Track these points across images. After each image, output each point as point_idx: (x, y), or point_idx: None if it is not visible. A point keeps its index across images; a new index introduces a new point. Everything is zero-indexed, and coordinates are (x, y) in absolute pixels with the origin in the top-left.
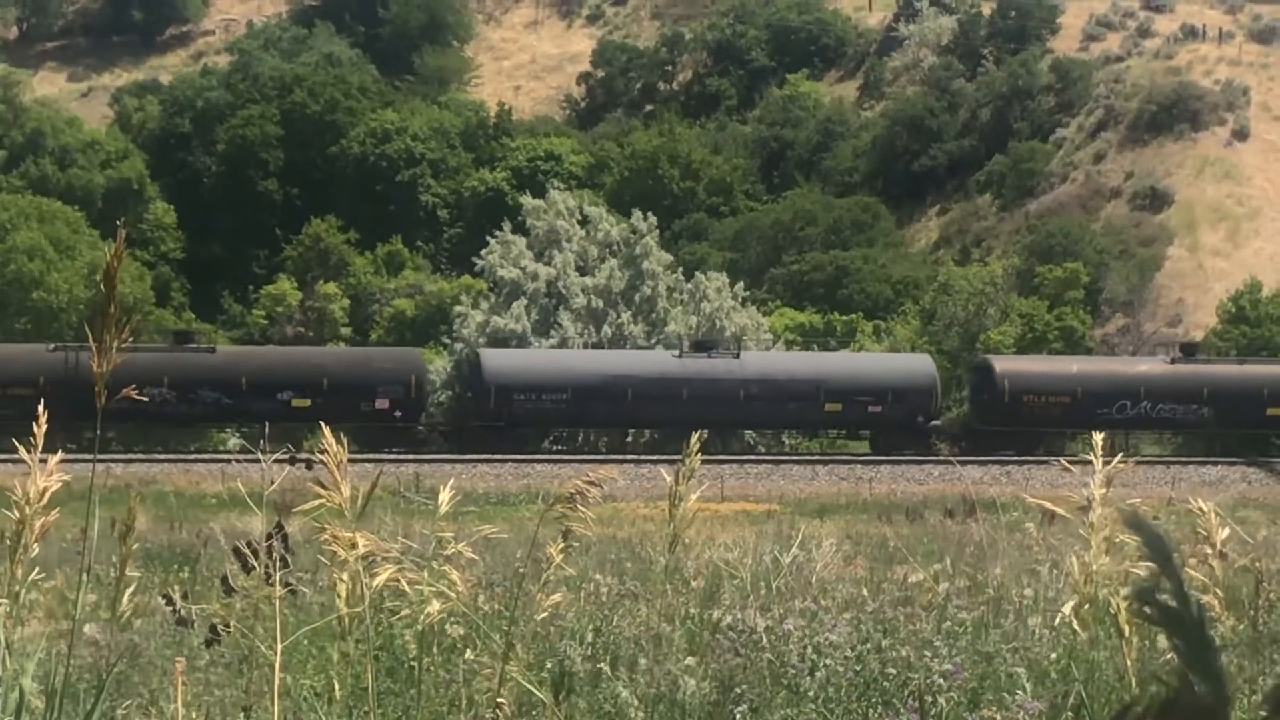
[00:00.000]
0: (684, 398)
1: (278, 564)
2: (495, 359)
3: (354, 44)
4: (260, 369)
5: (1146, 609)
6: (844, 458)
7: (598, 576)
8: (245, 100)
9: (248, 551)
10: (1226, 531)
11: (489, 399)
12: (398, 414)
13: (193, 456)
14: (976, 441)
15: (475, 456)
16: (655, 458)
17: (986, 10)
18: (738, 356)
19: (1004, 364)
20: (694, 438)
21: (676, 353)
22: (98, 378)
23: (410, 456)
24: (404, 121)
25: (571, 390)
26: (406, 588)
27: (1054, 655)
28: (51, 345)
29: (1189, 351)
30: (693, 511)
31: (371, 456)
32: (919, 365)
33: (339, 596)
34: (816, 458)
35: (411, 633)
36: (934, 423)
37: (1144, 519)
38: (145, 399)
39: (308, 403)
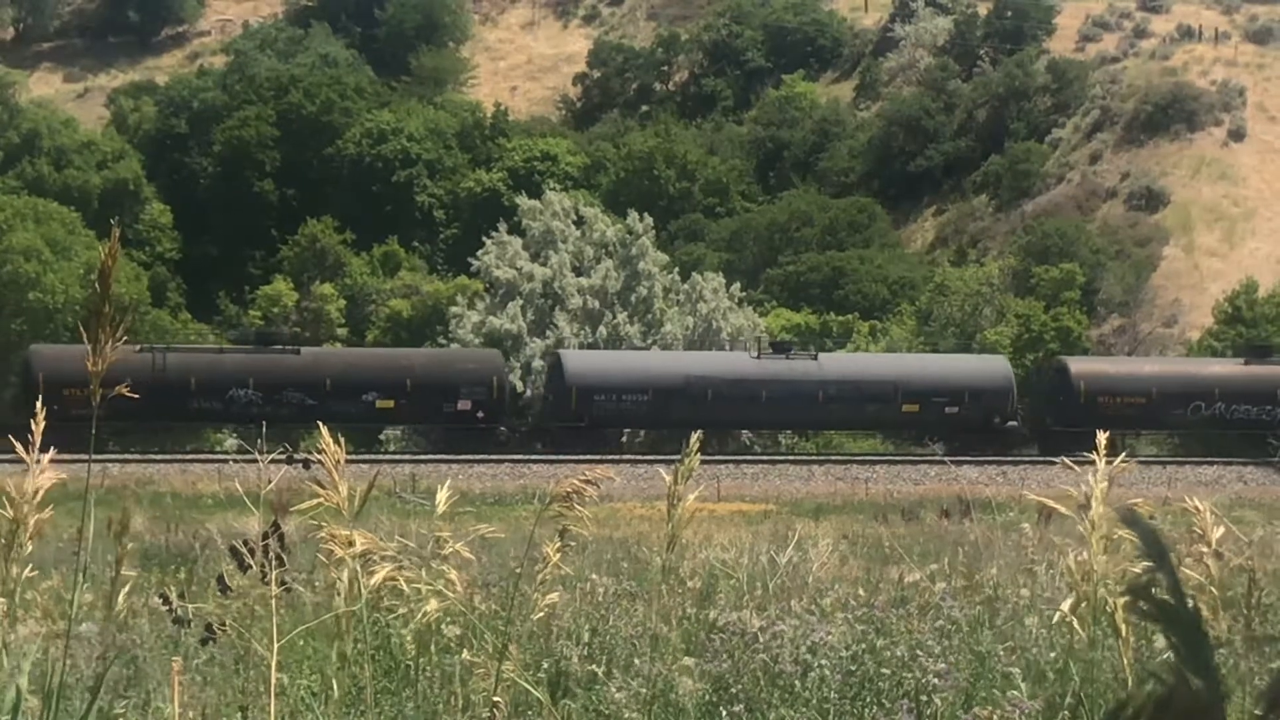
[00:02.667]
0: (763, 399)
1: (273, 562)
2: (576, 360)
3: (350, 45)
4: (345, 370)
5: (1142, 605)
6: (840, 458)
7: (594, 576)
8: (241, 101)
9: (244, 550)
10: (1221, 530)
11: (570, 400)
12: (480, 415)
13: (189, 457)
14: (1050, 443)
15: (472, 457)
16: (652, 458)
17: (983, 11)
18: (815, 358)
19: (1079, 365)
20: (693, 437)
21: (755, 354)
22: (93, 377)
23: (404, 457)
24: (400, 122)
25: (652, 391)
26: (405, 586)
27: (1052, 655)
28: (137, 346)
29: (1262, 353)
30: (690, 511)
31: (366, 457)
32: (995, 366)
33: (337, 594)
34: (813, 458)
35: (409, 632)
36: (1010, 424)
37: (1139, 516)
38: (135, 396)
39: (391, 404)
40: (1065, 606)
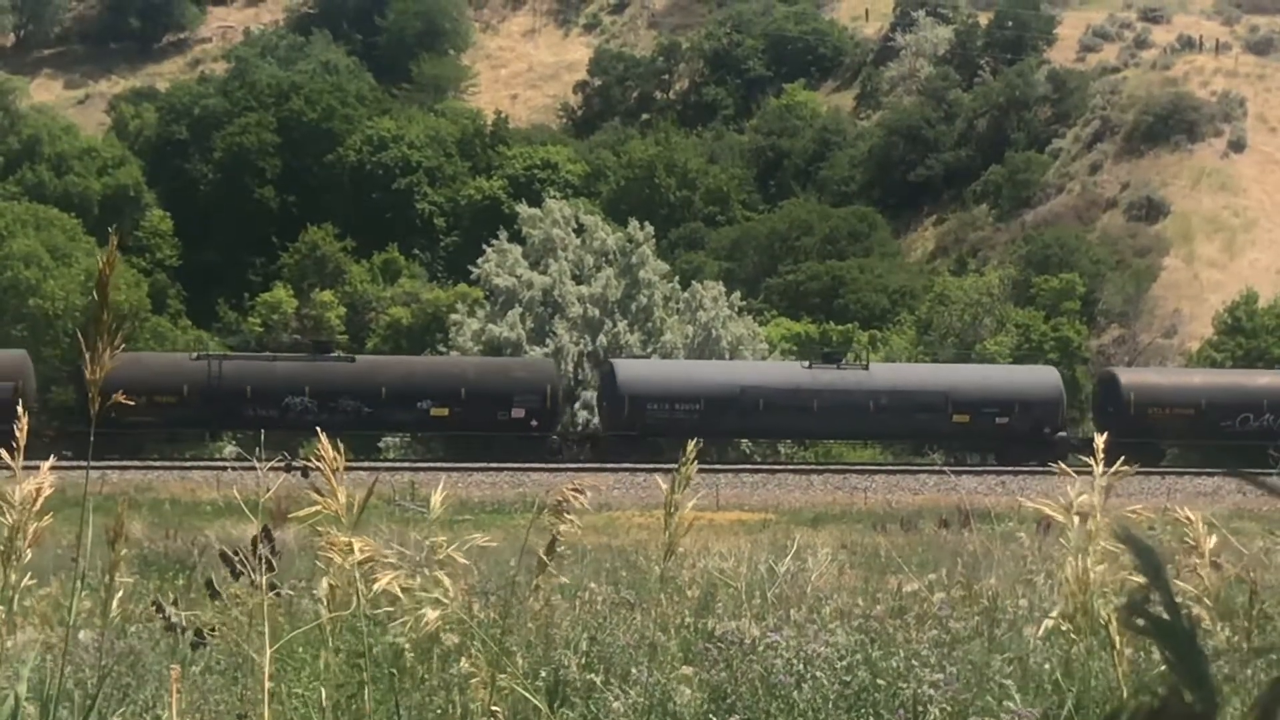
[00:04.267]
0: (814, 409)
1: (263, 568)
2: (629, 369)
3: (351, 52)
4: (400, 378)
5: (1137, 620)
6: (838, 467)
7: (593, 585)
8: (242, 108)
9: (235, 557)
10: (1214, 539)
11: (623, 409)
12: (533, 423)
13: (188, 464)
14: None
15: (470, 465)
16: (649, 466)
17: (983, 21)
18: (866, 367)
19: (1129, 376)
20: (690, 445)
21: (806, 364)
22: (91, 385)
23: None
24: (401, 130)
25: (704, 401)
26: (400, 594)
27: (1048, 665)
28: (194, 354)
29: None
30: (688, 520)
31: (365, 464)
32: (1045, 377)
33: (320, 602)
34: (812, 467)
35: (406, 640)
36: (1060, 434)
37: (1134, 531)
38: (132, 403)
39: (446, 412)
40: (1055, 612)
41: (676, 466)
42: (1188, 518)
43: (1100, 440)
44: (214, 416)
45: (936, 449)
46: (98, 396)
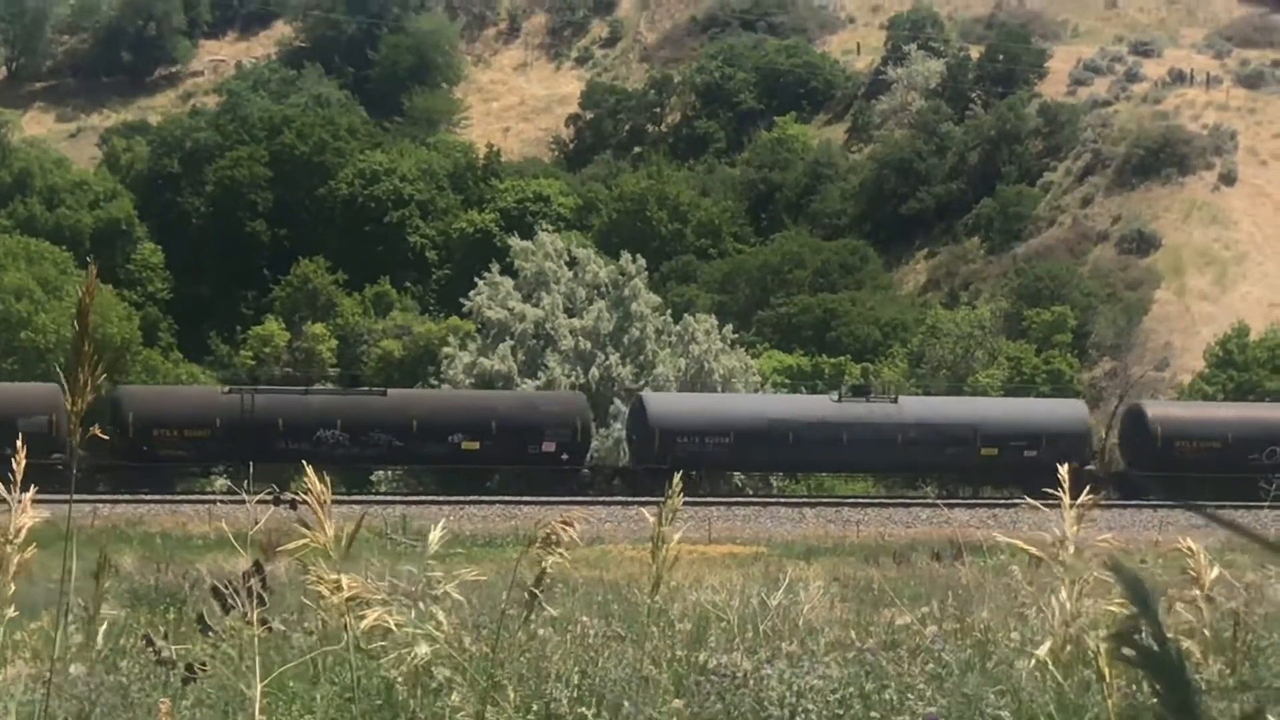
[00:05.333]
0: (844, 442)
1: (254, 602)
2: (659, 403)
3: (343, 85)
4: (431, 412)
5: (1126, 651)
6: (830, 500)
7: (584, 618)
8: (234, 141)
9: (227, 591)
10: (1215, 572)
11: (653, 442)
12: (564, 456)
13: (179, 497)
14: (1128, 487)
15: (463, 498)
16: (642, 499)
17: (975, 54)
18: (895, 401)
19: (1156, 409)
20: (676, 478)
21: (835, 397)
22: (73, 415)
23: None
24: (393, 163)
25: (734, 433)
26: (393, 626)
27: (1044, 698)
28: (226, 388)
29: None
30: (675, 553)
31: (357, 498)
32: (1073, 410)
33: (310, 634)
34: (804, 500)
35: (399, 674)
36: (1088, 468)
37: (1124, 563)
38: (106, 436)
39: (477, 445)
40: (1043, 650)
41: (707, 499)
42: (1190, 549)
43: (1064, 470)
44: (246, 450)
45: (928, 482)
46: (78, 427)
